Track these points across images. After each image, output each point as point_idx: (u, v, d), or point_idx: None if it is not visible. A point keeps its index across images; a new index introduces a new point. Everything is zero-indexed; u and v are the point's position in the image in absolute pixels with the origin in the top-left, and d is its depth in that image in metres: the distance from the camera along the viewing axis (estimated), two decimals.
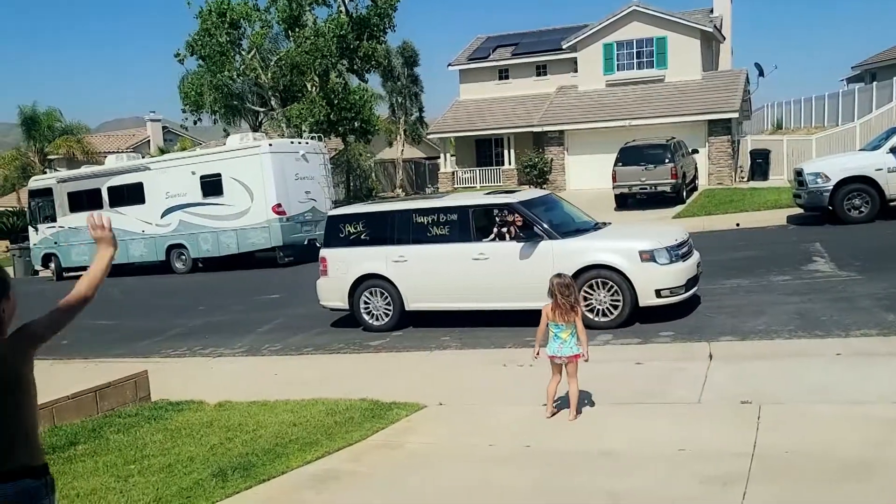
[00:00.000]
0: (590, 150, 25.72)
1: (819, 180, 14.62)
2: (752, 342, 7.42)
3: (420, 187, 36.84)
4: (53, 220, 21.55)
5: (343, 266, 9.69)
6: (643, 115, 25.39)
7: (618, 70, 27.47)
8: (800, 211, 15.83)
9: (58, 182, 21.73)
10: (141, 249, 20.00)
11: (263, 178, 18.00)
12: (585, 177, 25.57)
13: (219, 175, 18.62)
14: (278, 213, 18.11)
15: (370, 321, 9.61)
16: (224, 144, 20.51)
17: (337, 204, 22.69)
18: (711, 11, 30.13)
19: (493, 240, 9.13)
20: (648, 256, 8.32)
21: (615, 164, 20.97)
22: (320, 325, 10.49)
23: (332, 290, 9.85)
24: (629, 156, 20.86)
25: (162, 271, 19.65)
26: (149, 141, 44.73)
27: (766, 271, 10.81)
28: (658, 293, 8.28)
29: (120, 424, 5.99)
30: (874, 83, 31.42)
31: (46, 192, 21.78)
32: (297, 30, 24.97)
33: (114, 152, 26.93)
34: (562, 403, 5.56)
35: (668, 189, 20.19)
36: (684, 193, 21.15)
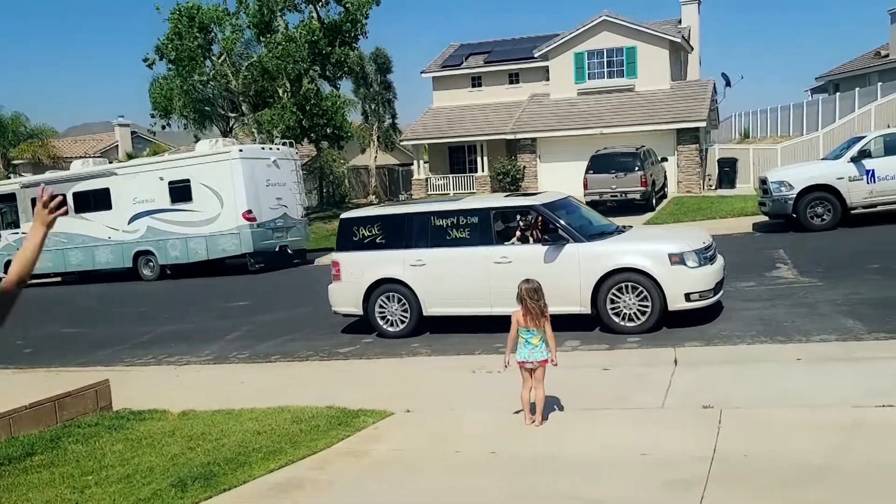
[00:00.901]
0: (561, 157, 25.94)
1: (783, 189, 14.90)
2: (717, 347, 7.53)
3: (393, 194, 36.79)
4: (17, 226, 21.11)
5: (357, 270, 9.39)
6: (614, 123, 25.67)
7: (589, 79, 27.76)
8: (765, 218, 16.12)
9: (21, 187, 21.29)
10: (107, 256, 19.67)
11: (233, 184, 17.83)
12: (557, 184, 25.63)
13: (188, 181, 18.40)
14: (248, 219, 17.95)
15: (386, 327, 9.35)
16: (194, 150, 20.32)
17: (309, 210, 22.58)
18: (680, 22, 30.63)
19: (516, 243, 8.95)
20: (678, 259, 8.15)
21: (586, 172, 21.18)
22: (290, 332, 10.41)
23: (345, 296, 9.54)
24: (600, 164, 21.10)
25: (129, 278, 19.35)
26: (117, 146, 44.08)
27: (732, 278, 10.96)
28: (688, 297, 8.12)
29: (79, 435, 5.86)
30: (837, 94, 32.22)
31: (10, 198, 21.33)
32: (268, 35, 24.82)
33: (80, 157, 26.49)
34: (531, 409, 5.58)
35: (637, 196, 20.44)
36: (654, 201, 21.43)
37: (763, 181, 15.63)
